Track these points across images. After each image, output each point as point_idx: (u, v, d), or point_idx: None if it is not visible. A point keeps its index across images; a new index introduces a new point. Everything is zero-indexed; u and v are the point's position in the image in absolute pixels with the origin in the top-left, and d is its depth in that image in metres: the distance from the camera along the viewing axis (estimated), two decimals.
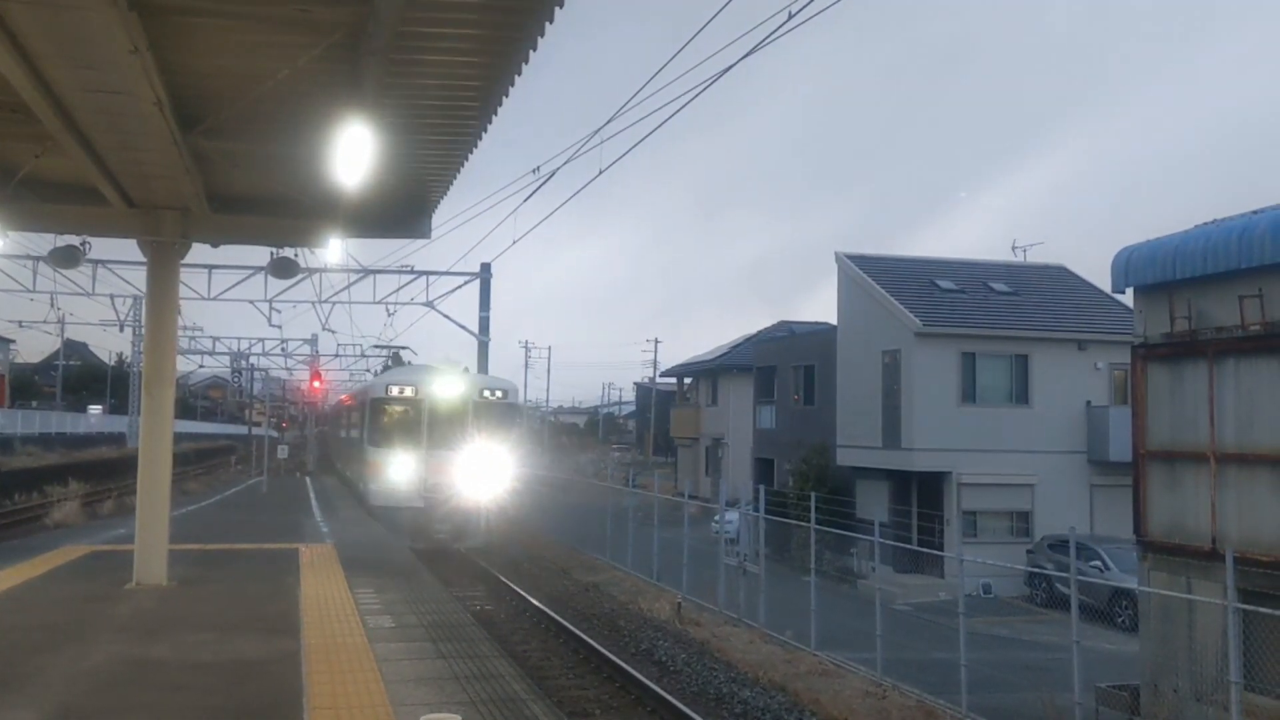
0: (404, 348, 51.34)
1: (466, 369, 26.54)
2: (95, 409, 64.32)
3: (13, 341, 61.29)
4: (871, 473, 29.49)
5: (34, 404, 63.50)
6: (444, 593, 14.73)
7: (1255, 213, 12.66)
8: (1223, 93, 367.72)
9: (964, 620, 14.90)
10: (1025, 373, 28.23)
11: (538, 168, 17.30)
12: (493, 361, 36.34)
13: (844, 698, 14.11)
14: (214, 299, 31.04)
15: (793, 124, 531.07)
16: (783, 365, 37.88)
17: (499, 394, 24.84)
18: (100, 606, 11.54)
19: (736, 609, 19.80)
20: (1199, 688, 12.20)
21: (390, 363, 46.87)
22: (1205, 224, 13.36)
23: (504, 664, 10.07)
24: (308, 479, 42.72)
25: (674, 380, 57.87)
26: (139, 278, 28.94)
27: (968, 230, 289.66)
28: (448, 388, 24.25)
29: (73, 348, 75.63)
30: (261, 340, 52.64)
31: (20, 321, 49.11)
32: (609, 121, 13.40)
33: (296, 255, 15.05)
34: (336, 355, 51.80)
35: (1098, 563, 22.30)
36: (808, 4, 9.25)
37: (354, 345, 50.53)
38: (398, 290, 33.16)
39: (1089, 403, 28.24)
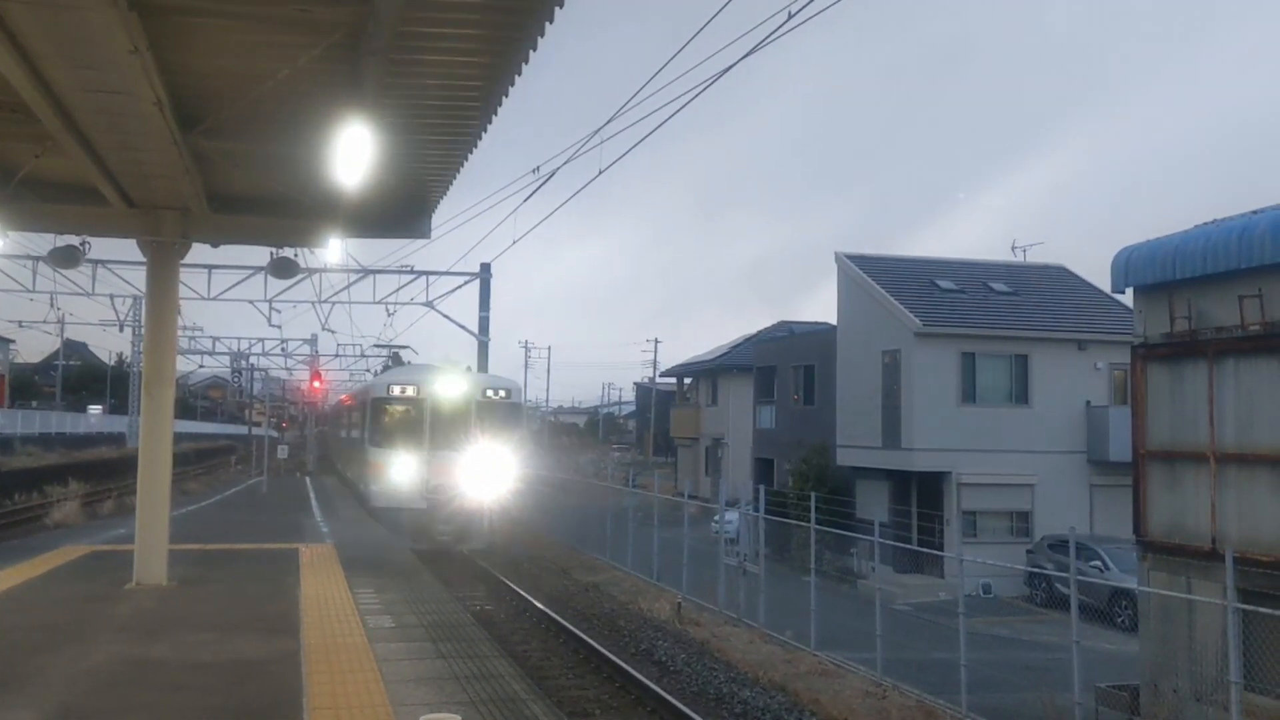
0: (404, 347, 51.35)
1: (469, 368, 26.47)
2: (95, 409, 64.29)
3: (13, 341, 61.29)
4: (871, 473, 29.49)
5: (34, 404, 63.47)
6: (444, 593, 14.73)
7: (1255, 213, 12.66)
8: (1223, 93, 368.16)
9: (964, 620, 14.90)
10: (1025, 373, 28.23)
11: (538, 168, 17.31)
12: (492, 361, 36.39)
13: (844, 698, 14.10)
14: (214, 299, 31.10)
15: (793, 124, 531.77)
16: (783, 365, 37.88)
17: (502, 394, 24.70)
18: (100, 606, 11.55)
19: (736, 609, 19.79)
20: (1199, 688, 12.20)
21: (390, 363, 46.85)
22: (1205, 224, 13.36)
23: (504, 664, 10.08)
24: (308, 479, 42.73)
25: (674, 380, 57.87)
26: (139, 278, 28.96)
27: (968, 230, 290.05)
28: (450, 387, 24.10)
29: (73, 348, 75.62)
30: (261, 340, 52.73)
31: (20, 321, 49.21)
32: (609, 121, 13.41)
33: (296, 255, 15.05)
34: (336, 355, 51.86)
35: (1098, 563, 22.30)
36: (808, 4, 9.26)
37: (354, 345, 50.62)
38: (397, 290, 33.23)
39: (1089, 403, 28.24)
